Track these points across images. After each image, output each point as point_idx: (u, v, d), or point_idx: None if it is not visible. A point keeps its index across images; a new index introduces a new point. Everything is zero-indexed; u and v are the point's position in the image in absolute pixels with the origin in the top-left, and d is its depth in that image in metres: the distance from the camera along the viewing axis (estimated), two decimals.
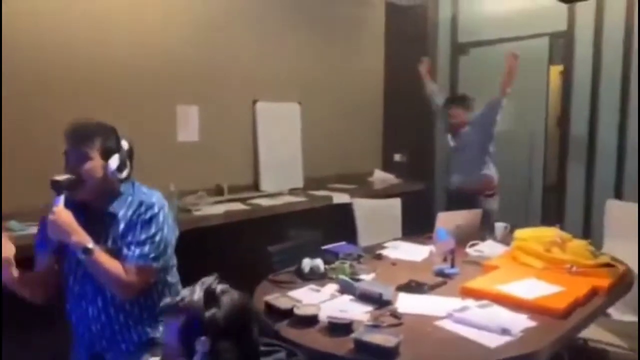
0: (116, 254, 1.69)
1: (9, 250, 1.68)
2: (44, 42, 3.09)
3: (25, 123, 3.04)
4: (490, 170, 4.08)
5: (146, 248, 1.69)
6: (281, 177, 4.34)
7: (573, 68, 4.44)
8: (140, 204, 1.73)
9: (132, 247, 1.69)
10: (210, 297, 1.16)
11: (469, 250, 2.90)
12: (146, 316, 1.79)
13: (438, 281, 2.42)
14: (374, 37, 5.27)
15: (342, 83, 4.85)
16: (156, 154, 3.48)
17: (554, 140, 4.72)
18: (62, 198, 1.64)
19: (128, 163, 1.76)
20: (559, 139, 4.63)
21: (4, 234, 1.70)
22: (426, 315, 2.04)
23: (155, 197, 1.77)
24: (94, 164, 1.69)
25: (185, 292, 1.18)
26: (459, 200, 3.83)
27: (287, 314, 2.05)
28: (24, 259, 2.52)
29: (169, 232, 1.77)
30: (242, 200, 3.83)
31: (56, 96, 3.11)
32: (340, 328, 1.93)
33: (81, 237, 1.62)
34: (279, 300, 2.16)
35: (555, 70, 4.86)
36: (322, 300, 2.20)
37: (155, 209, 1.73)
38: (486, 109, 3.96)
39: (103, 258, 1.64)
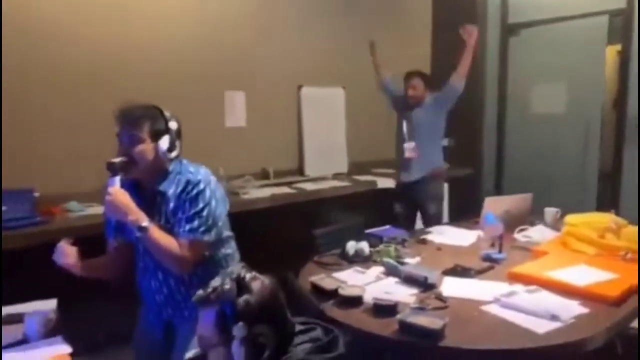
0: (169, 230, 1.76)
1: (72, 255, 1.79)
2: (101, 32, 3.21)
3: (86, 108, 3.18)
4: (441, 158, 3.88)
5: (195, 223, 1.75)
6: (325, 162, 4.37)
7: (632, 47, 4.22)
8: (187, 182, 1.79)
9: (183, 223, 1.75)
10: (241, 284, 1.20)
11: (517, 235, 2.84)
12: (206, 280, 1.85)
13: (485, 266, 2.39)
14: (420, 20, 5.18)
15: (387, 67, 4.79)
16: (205, 138, 3.57)
17: (610, 124, 4.52)
18: (117, 179, 1.71)
19: (177, 143, 1.82)
20: (615, 122, 4.43)
21: (63, 242, 1.80)
22: (472, 300, 2.02)
23: (201, 175, 1.82)
24: (145, 146, 1.74)
25: (215, 283, 1.23)
26: (413, 189, 3.72)
27: (332, 294, 2.08)
28: (85, 239, 2.69)
29: (217, 206, 1.81)
30: (288, 184, 3.88)
31: (112, 82, 3.24)
32: (385, 309, 1.94)
33: (137, 215, 1.69)
34: (324, 280, 2.20)
35: (613, 50, 4.63)
36: (367, 282, 2.22)
37: (201, 186, 1.78)
38: (442, 92, 3.67)
39: (158, 235, 1.71)
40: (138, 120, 1.74)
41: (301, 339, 1.26)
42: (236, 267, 1.24)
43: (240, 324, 1.16)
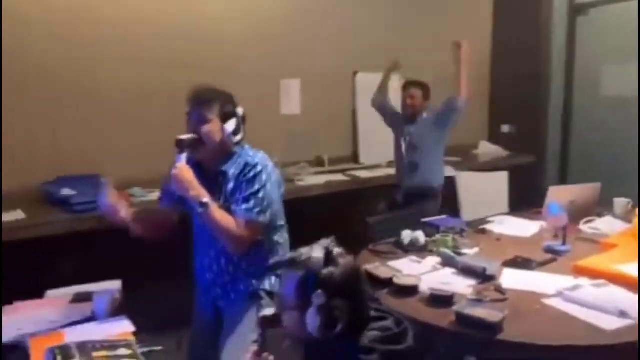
0: (227, 210, 1.81)
1: (125, 211, 1.87)
2: (164, 24, 3.31)
3: (147, 98, 3.30)
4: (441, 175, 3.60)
5: (251, 203, 1.79)
6: (380, 150, 4.30)
7: None
8: (246, 164, 1.84)
9: (240, 203, 1.80)
10: (329, 256, 1.23)
11: (583, 227, 2.70)
12: (253, 270, 1.90)
13: (547, 258, 2.29)
14: (479, 1, 4.98)
15: (444, 51, 4.65)
16: (261, 126, 3.58)
17: None
18: (184, 156, 1.77)
19: (242, 128, 1.88)
20: None
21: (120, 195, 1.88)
22: (533, 292, 1.94)
23: (259, 158, 1.87)
24: (213, 127, 1.80)
25: (304, 250, 1.26)
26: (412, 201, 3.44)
27: (386, 283, 2.06)
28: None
29: (272, 189, 1.85)
30: (342, 172, 3.87)
31: (173, 71, 3.32)
32: (441, 300, 1.91)
33: (199, 192, 1.75)
34: (379, 269, 2.18)
35: None
36: (423, 272, 2.19)
37: (258, 168, 1.83)
38: (443, 107, 3.43)
39: (217, 212, 1.76)
40: (209, 101, 1.80)
41: (371, 326, 1.27)
42: (327, 240, 1.27)
43: (320, 292, 1.18)
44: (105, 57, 3.20)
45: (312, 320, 1.20)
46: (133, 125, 3.31)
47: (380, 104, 3.67)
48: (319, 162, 3.98)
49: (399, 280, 2.04)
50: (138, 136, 3.29)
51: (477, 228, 2.78)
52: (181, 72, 3.30)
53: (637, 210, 2.60)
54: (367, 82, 4.21)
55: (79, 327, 1.71)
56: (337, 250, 1.26)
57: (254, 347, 1.35)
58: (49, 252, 2.59)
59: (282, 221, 1.98)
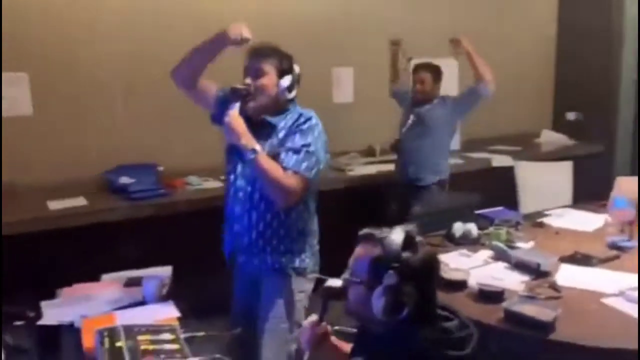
0: (274, 159, 1.79)
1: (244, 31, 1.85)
2: (215, 19, 3.35)
3: None
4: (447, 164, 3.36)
5: (301, 155, 1.78)
6: None
7: None
8: (300, 115, 1.85)
9: (290, 154, 1.79)
10: (409, 240, 1.20)
11: None
12: (282, 233, 1.88)
13: (610, 254, 2.15)
14: None
15: (505, 36, 4.46)
16: None
17: None
18: (237, 105, 1.78)
19: (296, 87, 1.89)
20: None
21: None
22: (592, 291, 1.83)
23: (313, 114, 1.88)
24: (269, 80, 1.82)
25: (385, 229, 1.23)
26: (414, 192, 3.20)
27: None
28: (201, 211, 2.87)
29: (321, 149, 1.84)
30: (394, 162, 3.79)
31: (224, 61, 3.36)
32: (490, 296, 1.83)
33: (249, 140, 1.75)
34: None
35: None
36: (473, 266, 2.11)
37: (313, 121, 1.84)
38: (466, 95, 3.25)
39: (266, 160, 1.76)
40: (266, 55, 1.84)
41: (428, 325, 1.21)
42: (410, 225, 1.25)
43: (392, 272, 1.15)
44: (164, 51, 3.27)
45: (377, 300, 1.17)
46: (190, 116, 3.38)
47: (396, 91, 3.47)
48: (370, 152, 3.92)
49: (446, 274, 1.97)
50: (194, 127, 3.35)
51: (535, 221, 2.65)
52: (233, 61, 3.33)
53: None
54: None
55: (129, 310, 1.78)
56: (418, 238, 1.24)
57: (314, 317, 1.35)
58: (107, 237, 2.71)
59: (317, 188, 1.96)
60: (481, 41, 4.26)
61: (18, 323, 1.77)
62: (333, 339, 1.40)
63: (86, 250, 2.56)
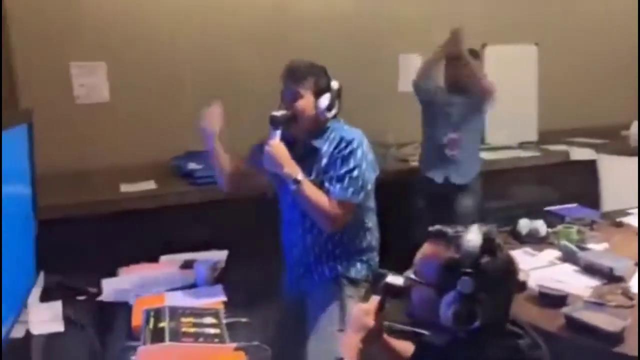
0: (319, 187, 1.78)
1: (217, 124, 1.92)
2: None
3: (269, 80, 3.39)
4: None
5: (345, 182, 1.75)
6: (511, 129, 3.95)
7: None
8: (341, 139, 1.79)
9: (333, 182, 1.76)
10: (489, 244, 1.07)
11: None
12: (338, 253, 1.86)
13: None
14: None
15: (589, 19, 4.10)
16: (376, 104, 3.53)
17: None
18: (278, 132, 1.78)
19: (337, 102, 1.83)
20: None
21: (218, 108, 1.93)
22: None
23: (355, 134, 1.81)
24: (306, 102, 1.78)
25: (459, 227, 1.12)
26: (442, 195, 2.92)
27: None
28: (258, 199, 2.91)
29: (367, 169, 1.79)
30: None
31: (292, 52, 3.36)
32: (551, 299, 1.71)
33: (292, 169, 1.74)
34: None
35: None
36: (536, 267, 1.97)
37: (354, 145, 1.77)
38: (474, 97, 2.98)
39: (310, 189, 1.74)
40: (301, 77, 1.79)
41: (496, 342, 1.09)
42: (490, 226, 1.12)
43: (467, 279, 1.03)
44: (230, 48, 3.33)
45: (446, 307, 1.06)
46: (255, 107, 3.42)
47: (422, 86, 3.14)
48: None
49: None
50: (259, 116, 3.39)
51: (614, 220, 2.43)
52: (297, 51, 3.32)
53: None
54: (498, 55, 3.88)
55: (179, 292, 1.83)
56: (498, 241, 1.10)
57: (365, 305, 1.21)
58: (172, 220, 2.82)
59: (372, 203, 1.90)
60: (566, 27, 3.99)
61: (80, 298, 1.89)
62: (385, 337, 1.28)
63: (151, 232, 2.68)
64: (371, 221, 1.91)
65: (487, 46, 3.84)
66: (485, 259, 1.06)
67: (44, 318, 1.67)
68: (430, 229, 1.16)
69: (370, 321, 1.17)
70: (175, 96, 3.27)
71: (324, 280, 1.87)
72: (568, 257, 2.01)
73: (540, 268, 1.95)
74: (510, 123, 3.96)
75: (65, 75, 3.01)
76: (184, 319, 1.51)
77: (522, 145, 3.92)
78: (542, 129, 4.03)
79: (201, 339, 1.41)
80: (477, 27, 3.79)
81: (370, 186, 1.82)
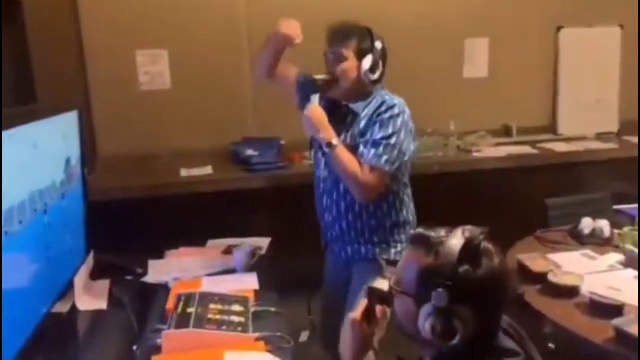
0: (354, 150, 1.74)
1: (296, 33, 1.81)
2: None
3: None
4: None
5: (381, 149, 1.69)
6: (587, 119, 3.66)
7: None
8: (382, 103, 1.74)
9: (368, 147, 1.71)
10: (471, 251, 0.95)
11: None
12: (374, 224, 1.82)
13: None
14: None
15: None
16: (439, 91, 3.39)
17: None
18: (317, 97, 1.75)
19: (381, 64, 1.77)
20: None
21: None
22: None
23: (398, 101, 1.75)
24: (349, 65, 1.74)
25: (442, 232, 1.01)
26: None
27: (539, 278, 1.77)
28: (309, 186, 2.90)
29: (406, 139, 1.72)
30: (532, 144, 3.41)
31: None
32: (603, 309, 1.56)
33: (328, 133, 1.71)
34: (535, 261, 1.88)
35: None
36: (593, 271, 1.82)
37: (396, 110, 1.71)
38: None
39: (344, 155, 1.70)
40: (344, 38, 1.75)
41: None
42: (476, 230, 0.99)
43: (442, 291, 0.93)
44: None
45: (424, 320, 0.96)
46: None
47: None
48: (506, 132, 3.56)
49: (555, 278, 1.72)
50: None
51: None
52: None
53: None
54: (575, 39, 3.59)
55: (217, 277, 1.87)
56: (484, 246, 0.97)
57: (354, 315, 1.12)
58: (226, 204, 2.89)
59: (407, 178, 1.85)
60: None
61: (128, 278, 1.98)
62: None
63: (205, 216, 2.76)
64: (406, 196, 1.85)
65: (563, 29, 3.56)
66: (464, 268, 0.94)
67: (91, 295, 1.77)
68: (413, 232, 1.07)
69: (358, 332, 1.10)
70: (234, 83, 3.32)
71: (363, 260, 1.84)
72: (631, 262, 1.83)
73: (598, 273, 1.79)
74: (587, 112, 3.67)
75: (132, 63, 3.15)
76: (212, 306, 1.53)
77: (600, 137, 3.63)
78: (623, 119, 3.69)
79: (224, 327, 1.43)
80: (552, 9, 3.53)
81: (407, 157, 1.76)
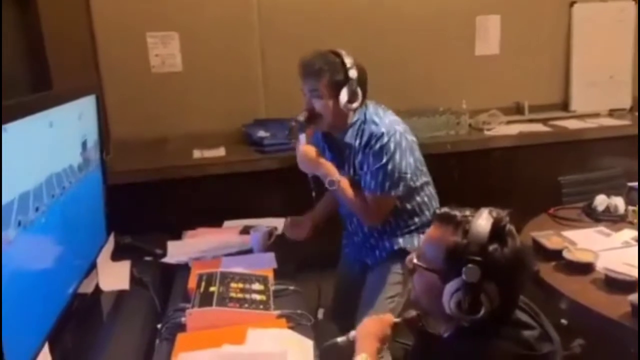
0: (359, 181, 1.77)
1: (303, 235, 1.99)
2: None
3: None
4: None
5: (380, 177, 1.72)
6: (600, 95, 3.63)
7: None
8: (370, 135, 1.73)
9: (368, 178, 1.74)
10: (499, 230, 1.01)
11: None
12: (400, 229, 1.86)
13: None
14: None
15: None
16: (450, 69, 3.36)
17: None
18: (303, 136, 1.76)
19: (359, 91, 1.74)
20: None
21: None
22: None
23: (384, 126, 1.73)
24: (325, 101, 1.73)
25: (467, 211, 1.06)
26: None
27: (554, 255, 1.78)
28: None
29: (402, 158, 1.73)
30: (544, 121, 3.39)
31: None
32: (619, 285, 1.58)
33: (326, 169, 1.74)
34: (550, 238, 1.90)
35: None
36: (607, 248, 1.83)
37: (384, 139, 1.71)
38: None
39: (347, 188, 1.75)
40: (316, 73, 1.73)
41: (501, 332, 1.03)
42: (501, 212, 1.05)
43: (474, 267, 0.98)
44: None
45: (451, 295, 1.01)
46: None
47: None
48: (518, 110, 3.54)
49: (570, 255, 1.74)
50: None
51: None
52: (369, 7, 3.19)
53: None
54: (589, 13, 3.54)
55: (235, 257, 1.90)
56: (510, 228, 1.04)
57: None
58: (238, 186, 2.91)
59: (424, 178, 1.86)
60: None
61: (148, 259, 2.02)
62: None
63: (218, 197, 2.78)
64: (426, 196, 1.88)
65: (576, 3, 3.51)
66: (493, 247, 1.00)
67: (113, 276, 1.80)
68: (437, 211, 1.11)
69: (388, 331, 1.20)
70: (245, 65, 3.32)
71: (386, 253, 1.88)
72: None
73: (612, 249, 1.81)
74: (600, 88, 3.64)
75: (143, 45, 3.15)
76: (233, 285, 1.57)
77: (613, 113, 3.60)
78: (637, 95, 3.65)
79: (246, 305, 1.47)
80: None
81: (410, 172, 1.77)
